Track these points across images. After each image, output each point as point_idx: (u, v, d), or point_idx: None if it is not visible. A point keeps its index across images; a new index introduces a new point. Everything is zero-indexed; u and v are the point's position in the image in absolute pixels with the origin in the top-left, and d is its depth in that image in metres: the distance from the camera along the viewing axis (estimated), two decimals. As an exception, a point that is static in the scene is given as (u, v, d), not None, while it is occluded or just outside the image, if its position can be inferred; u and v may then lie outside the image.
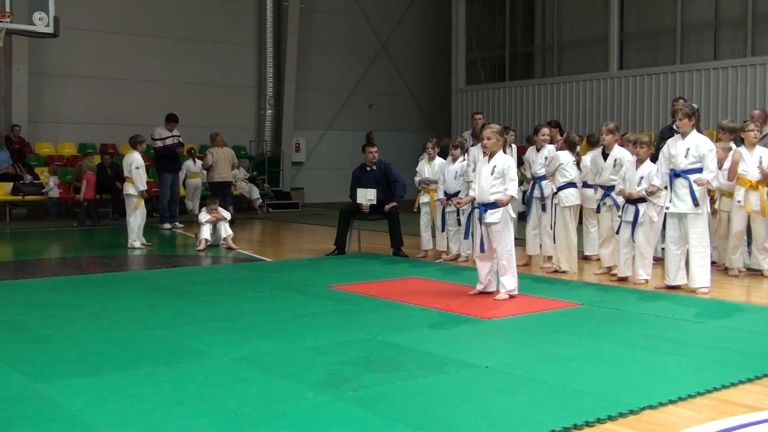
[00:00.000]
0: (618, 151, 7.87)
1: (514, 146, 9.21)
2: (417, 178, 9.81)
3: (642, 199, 7.39)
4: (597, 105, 16.93)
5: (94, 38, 16.64)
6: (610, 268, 8.04)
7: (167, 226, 13.09)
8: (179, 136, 13.39)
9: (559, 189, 8.16)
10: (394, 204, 9.57)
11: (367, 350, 4.81)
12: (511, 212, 6.64)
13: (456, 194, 8.93)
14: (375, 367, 4.42)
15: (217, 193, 12.66)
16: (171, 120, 13.28)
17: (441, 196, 9.33)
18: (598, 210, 8.18)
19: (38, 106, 16.13)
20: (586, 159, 8.28)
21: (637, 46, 16.82)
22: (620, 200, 7.62)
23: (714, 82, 14.96)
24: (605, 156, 7.97)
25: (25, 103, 15.76)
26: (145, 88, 17.36)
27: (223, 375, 4.29)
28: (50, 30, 12.29)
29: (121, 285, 7.43)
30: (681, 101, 9.83)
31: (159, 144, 13.13)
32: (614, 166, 7.80)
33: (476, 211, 6.87)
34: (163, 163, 13.22)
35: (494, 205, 6.54)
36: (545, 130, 8.77)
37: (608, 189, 7.89)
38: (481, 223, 6.68)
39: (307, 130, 20.11)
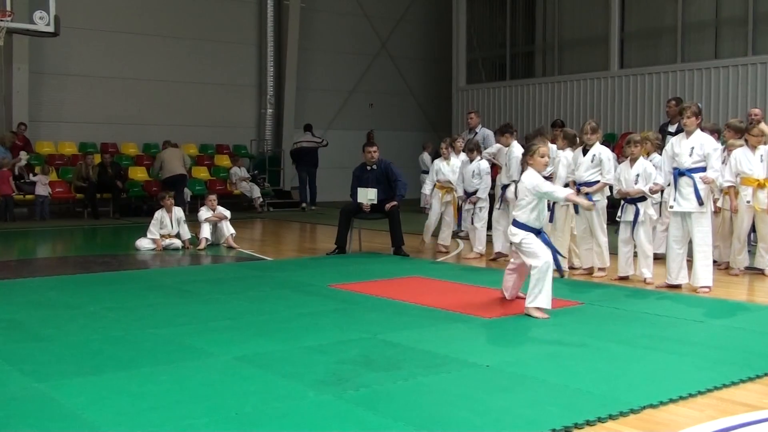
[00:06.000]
0: (597, 149, 7.76)
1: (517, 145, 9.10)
2: (432, 178, 10.10)
3: (642, 198, 7.38)
4: (597, 104, 16.91)
5: (95, 37, 16.62)
6: (590, 269, 7.96)
7: (303, 205, 17.28)
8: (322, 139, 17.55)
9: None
10: (395, 203, 9.57)
11: (367, 349, 4.81)
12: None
13: (474, 192, 9.46)
14: (375, 366, 4.42)
15: (169, 187, 13.49)
16: (311, 128, 17.72)
17: (461, 193, 9.68)
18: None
19: (39, 105, 16.11)
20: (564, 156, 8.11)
21: (637, 45, 16.80)
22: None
23: (715, 81, 14.94)
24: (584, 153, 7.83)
25: (25, 103, 15.73)
26: (146, 87, 17.36)
27: (223, 374, 4.29)
28: (51, 29, 12.30)
29: (122, 284, 7.42)
30: (673, 102, 9.88)
31: (311, 145, 17.32)
32: (591, 161, 7.73)
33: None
34: (305, 160, 17.32)
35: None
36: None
37: (582, 185, 7.75)
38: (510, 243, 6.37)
39: (308, 130, 20.10)
